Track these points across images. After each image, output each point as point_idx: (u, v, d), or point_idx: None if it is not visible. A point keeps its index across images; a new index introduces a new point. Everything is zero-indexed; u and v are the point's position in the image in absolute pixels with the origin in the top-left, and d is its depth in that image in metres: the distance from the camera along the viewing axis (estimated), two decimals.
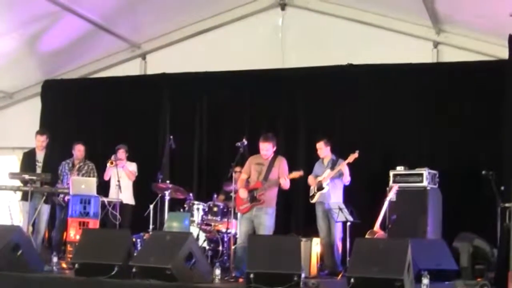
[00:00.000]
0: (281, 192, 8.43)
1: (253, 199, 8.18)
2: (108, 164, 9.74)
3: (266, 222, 8.12)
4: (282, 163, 8.33)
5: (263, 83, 10.87)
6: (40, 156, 9.65)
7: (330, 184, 8.87)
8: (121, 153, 9.97)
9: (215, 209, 9.44)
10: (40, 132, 9.83)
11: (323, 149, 9.11)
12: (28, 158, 9.69)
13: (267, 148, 8.28)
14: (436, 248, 7.62)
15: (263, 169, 8.28)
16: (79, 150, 9.97)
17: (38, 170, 9.48)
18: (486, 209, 8.63)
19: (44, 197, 9.19)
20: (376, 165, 9.79)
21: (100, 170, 9.98)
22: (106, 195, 9.69)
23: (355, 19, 10.65)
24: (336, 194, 8.91)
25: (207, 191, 10.48)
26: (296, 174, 8.35)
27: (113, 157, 9.72)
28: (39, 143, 9.68)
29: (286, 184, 8.21)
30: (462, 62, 9.95)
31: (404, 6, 10.00)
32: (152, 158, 10.99)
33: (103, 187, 9.87)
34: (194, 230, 9.12)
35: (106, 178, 9.97)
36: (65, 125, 11.73)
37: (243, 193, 8.23)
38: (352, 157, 8.79)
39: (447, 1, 9.42)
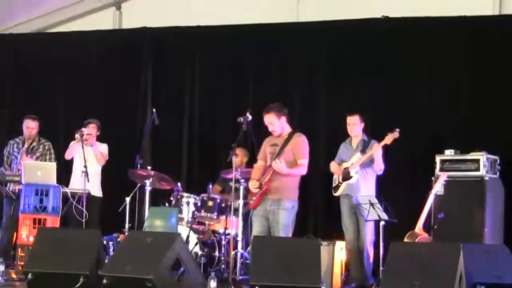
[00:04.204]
0: None
1: (259, 186, 8.18)
2: (77, 136, 9.46)
3: (284, 219, 8.07)
4: (298, 141, 8.28)
5: (272, 41, 10.86)
6: None
7: (360, 172, 8.87)
8: (92, 129, 9.88)
9: (210, 203, 9.48)
10: None
11: (357, 126, 9.07)
12: None
13: (270, 121, 8.27)
14: (496, 256, 7.39)
15: (277, 150, 8.25)
16: (27, 127, 9.91)
17: None
18: None
19: None
20: (419, 148, 9.81)
21: (62, 152, 9.99)
22: (68, 184, 9.72)
23: None
24: (367, 185, 8.91)
25: (199, 180, 10.53)
26: None
27: (82, 130, 9.56)
28: None
29: (281, 167, 8.00)
30: None
31: None
32: (129, 137, 11.09)
33: (65, 173, 9.89)
34: (183, 230, 9.13)
35: (68, 156, 9.87)
36: (14, 93, 11.75)
37: (253, 185, 8.20)
38: (391, 138, 8.72)
39: None
